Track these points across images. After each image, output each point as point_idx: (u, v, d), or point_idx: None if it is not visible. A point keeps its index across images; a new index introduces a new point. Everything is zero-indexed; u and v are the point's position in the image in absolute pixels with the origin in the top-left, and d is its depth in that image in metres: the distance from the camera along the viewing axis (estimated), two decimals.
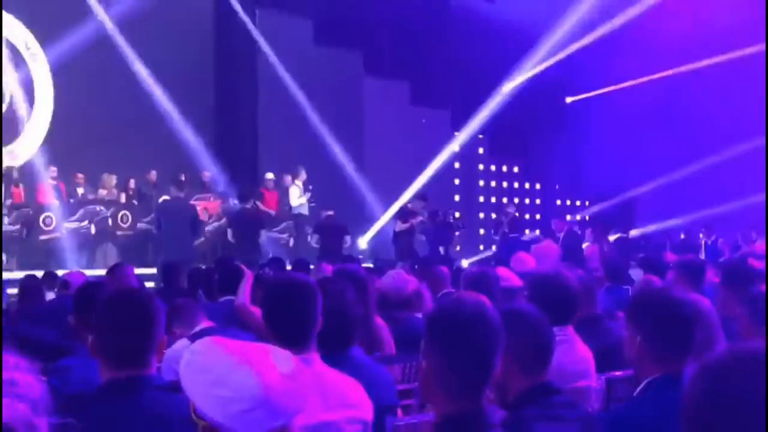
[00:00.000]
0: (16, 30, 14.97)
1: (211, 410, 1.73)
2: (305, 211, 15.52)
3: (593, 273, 6.77)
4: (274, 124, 16.90)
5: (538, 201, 22.57)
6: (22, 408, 1.55)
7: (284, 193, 15.64)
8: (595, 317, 4.73)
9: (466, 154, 20.91)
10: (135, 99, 14.97)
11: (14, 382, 1.56)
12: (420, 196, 15.79)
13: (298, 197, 15.55)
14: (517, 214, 17.21)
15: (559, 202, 22.54)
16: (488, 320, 2.20)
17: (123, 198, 14.80)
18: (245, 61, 17.14)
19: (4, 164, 13.80)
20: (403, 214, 15.05)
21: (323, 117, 17.05)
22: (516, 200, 21.29)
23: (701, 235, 16.03)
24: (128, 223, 14.35)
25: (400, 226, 14.66)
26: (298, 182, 15.63)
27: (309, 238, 15.03)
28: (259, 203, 14.55)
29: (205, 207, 14.38)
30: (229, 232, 14.00)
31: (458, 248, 17.63)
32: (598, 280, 6.21)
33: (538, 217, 20.43)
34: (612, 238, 15.77)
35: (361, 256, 14.49)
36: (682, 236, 17.11)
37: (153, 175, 15.15)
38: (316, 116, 17.01)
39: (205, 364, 1.78)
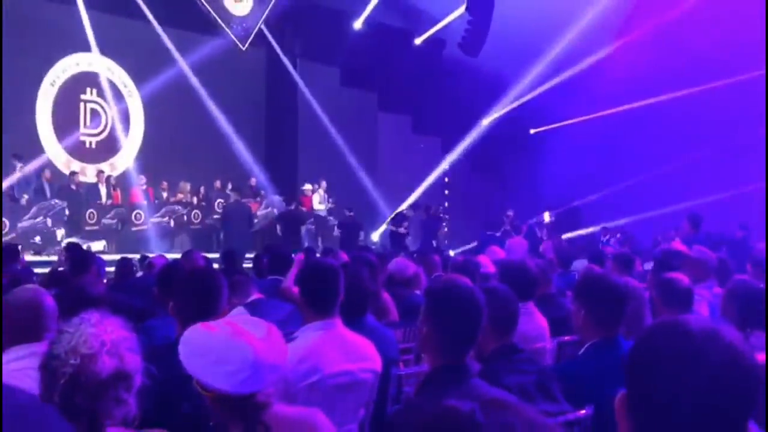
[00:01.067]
0: (117, 72, 15.03)
1: (219, 383, 1.65)
2: (323, 212, 15.68)
3: (549, 261, 6.73)
4: (309, 145, 16.89)
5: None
6: (137, 358, 1.56)
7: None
8: (550, 295, 4.72)
9: (454, 170, 20.87)
10: (205, 126, 15.01)
11: (126, 338, 1.56)
12: (413, 205, 15.93)
13: (318, 202, 15.72)
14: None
15: None
16: (472, 297, 2.20)
17: (195, 200, 14.82)
18: (288, 98, 17.11)
19: (107, 173, 13.87)
20: (398, 218, 15.04)
21: (346, 141, 17.06)
22: None
23: (603, 237, 15.90)
24: (199, 220, 14.39)
25: (396, 229, 14.69)
26: (321, 191, 15.79)
27: (334, 231, 15.08)
28: (301, 206, 14.65)
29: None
30: (278, 227, 14.08)
31: (443, 232, 17.56)
32: (552, 267, 6.17)
33: None
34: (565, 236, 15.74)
35: (373, 247, 14.48)
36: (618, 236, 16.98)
37: (218, 183, 15.19)
38: (341, 140, 17.02)
39: (203, 348, 1.70)
